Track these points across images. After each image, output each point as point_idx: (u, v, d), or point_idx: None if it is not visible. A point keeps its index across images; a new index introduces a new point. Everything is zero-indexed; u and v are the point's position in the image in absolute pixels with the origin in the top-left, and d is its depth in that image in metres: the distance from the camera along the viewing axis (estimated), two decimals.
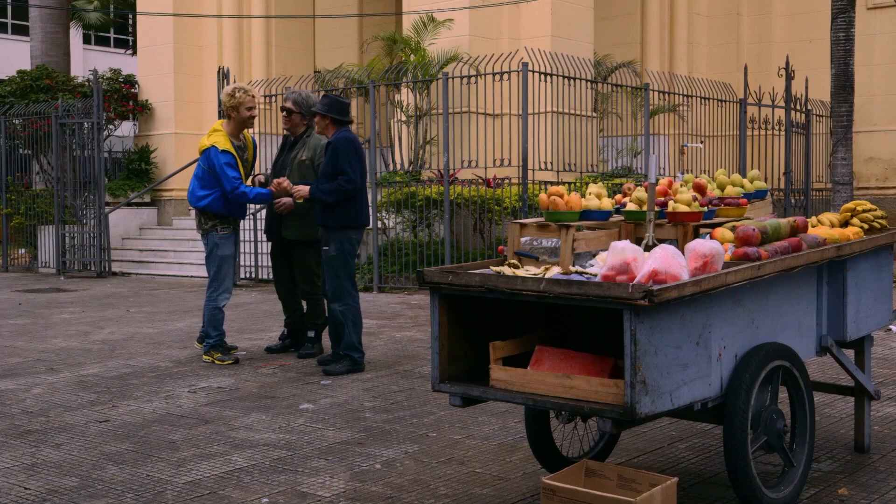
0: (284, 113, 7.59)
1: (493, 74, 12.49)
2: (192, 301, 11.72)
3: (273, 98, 14.44)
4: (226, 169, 7.19)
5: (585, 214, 4.40)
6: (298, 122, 7.53)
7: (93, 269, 15.78)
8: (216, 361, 7.40)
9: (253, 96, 7.40)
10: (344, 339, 7.00)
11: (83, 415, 5.84)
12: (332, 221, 6.89)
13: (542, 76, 12.42)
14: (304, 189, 6.98)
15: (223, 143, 7.29)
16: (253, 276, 13.90)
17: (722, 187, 4.96)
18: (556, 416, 4.33)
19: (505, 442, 5.13)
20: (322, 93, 13.84)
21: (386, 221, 12.99)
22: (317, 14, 19.80)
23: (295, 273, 7.63)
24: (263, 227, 8.08)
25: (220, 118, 9.90)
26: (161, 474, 4.62)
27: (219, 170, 7.20)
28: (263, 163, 13.12)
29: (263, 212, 10.55)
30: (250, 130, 7.77)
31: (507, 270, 3.91)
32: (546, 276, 3.71)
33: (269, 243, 7.95)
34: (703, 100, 14.98)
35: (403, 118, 14.31)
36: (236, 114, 7.35)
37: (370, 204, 12.51)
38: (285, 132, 7.73)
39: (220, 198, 7.30)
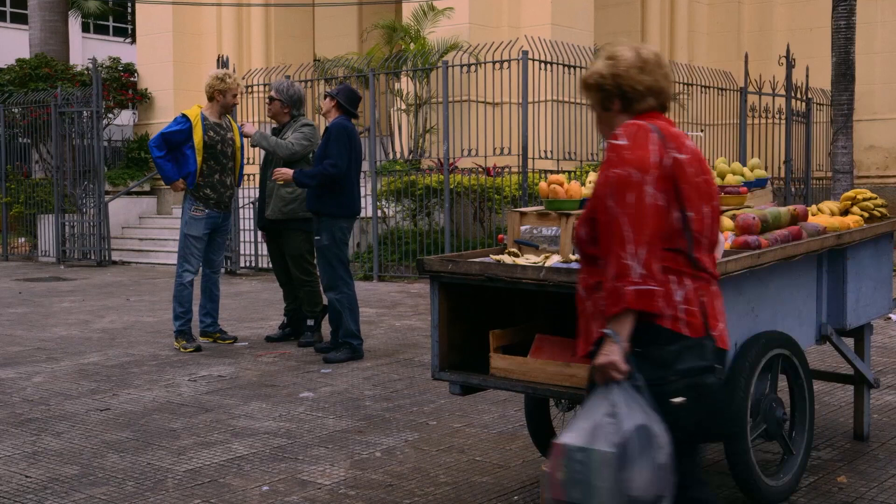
0: (268, 101, 7.79)
1: (493, 63, 12.46)
2: None
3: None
4: (166, 129, 7.45)
5: (585, 203, 4.39)
6: (279, 109, 7.66)
7: (93, 258, 15.78)
8: (181, 349, 7.43)
9: (238, 84, 7.69)
10: (342, 327, 7.02)
11: (84, 403, 5.85)
12: (324, 209, 6.91)
13: (543, 64, 12.40)
14: (287, 172, 7.00)
15: (192, 112, 7.54)
16: (252, 264, 13.90)
17: (722, 176, 4.95)
18: (556, 405, 4.34)
19: (505, 430, 5.14)
20: (324, 81, 13.91)
21: (386, 210, 12.98)
22: (316, 2, 19.74)
23: (288, 262, 7.66)
24: (255, 218, 8.20)
25: None
26: (162, 462, 4.63)
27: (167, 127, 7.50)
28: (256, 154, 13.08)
29: None
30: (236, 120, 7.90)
31: (506, 259, 3.91)
32: (546, 265, 3.71)
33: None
34: (703, 88, 14.96)
35: (403, 107, 14.29)
36: (222, 98, 7.58)
37: (370, 193, 12.58)
38: (268, 118, 7.88)
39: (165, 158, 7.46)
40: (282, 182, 7.14)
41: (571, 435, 2.53)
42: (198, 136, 7.42)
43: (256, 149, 13.51)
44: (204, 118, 7.51)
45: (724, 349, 2.72)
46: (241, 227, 13.78)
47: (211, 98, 7.60)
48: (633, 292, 2.52)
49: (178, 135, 7.40)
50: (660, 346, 2.58)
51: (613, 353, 2.54)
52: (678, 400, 2.53)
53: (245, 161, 8.16)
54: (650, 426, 2.50)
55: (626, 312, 2.54)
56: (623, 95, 2.74)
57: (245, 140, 7.96)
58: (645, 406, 2.54)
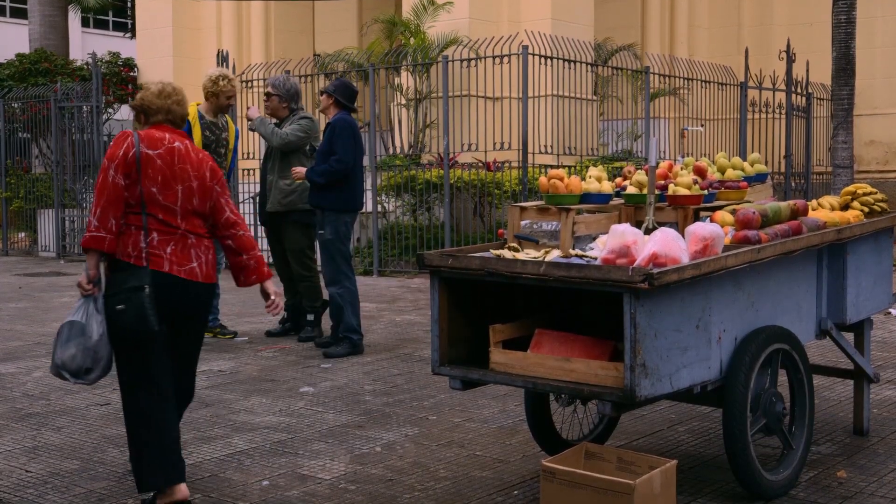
0: (265, 97, 7.79)
1: (494, 58, 12.44)
2: None
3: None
4: None
5: (585, 198, 4.40)
6: (277, 104, 7.68)
7: None
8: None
9: (234, 86, 7.64)
10: (343, 322, 7.02)
11: (84, 398, 5.86)
12: (327, 204, 6.93)
13: (543, 59, 12.38)
14: (301, 171, 7.12)
15: (189, 111, 7.45)
16: None
17: (722, 171, 4.95)
18: (556, 399, 4.34)
19: (505, 425, 5.15)
20: (323, 76, 13.90)
21: (386, 205, 12.97)
22: None
23: (288, 257, 7.67)
24: (258, 213, 8.21)
25: None
26: None
27: None
28: (257, 149, 13.07)
29: None
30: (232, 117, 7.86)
31: (506, 254, 3.91)
32: (546, 260, 3.71)
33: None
34: (703, 83, 14.94)
35: (403, 102, 14.27)
36: (216, 100, 7.56)
37: (370, 188, 12.56)
38: (267, 114, 7.86)
39: None
40: (299, 181, 7.22)
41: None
42: (197, 136, 7.40)
43: (257, 145, 13.50)
44: (201, 116, 7.49)
45: (189, 278, 3.90)
46: None
47: (207, 98, 7.60)
48: (88, 237, 3.79)
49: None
50: (116, 272, 3.83)
51: (81, 277, 3.83)
52: (119, 307, 3.78)
53: (242, 156, 8.14)
54: (82, 322, 3.80)
55: (87, 251, 3.83)
56: (145, 112, 4.00)
57: (240, 141, 7.96)
58: (91, 310, 3.82)
